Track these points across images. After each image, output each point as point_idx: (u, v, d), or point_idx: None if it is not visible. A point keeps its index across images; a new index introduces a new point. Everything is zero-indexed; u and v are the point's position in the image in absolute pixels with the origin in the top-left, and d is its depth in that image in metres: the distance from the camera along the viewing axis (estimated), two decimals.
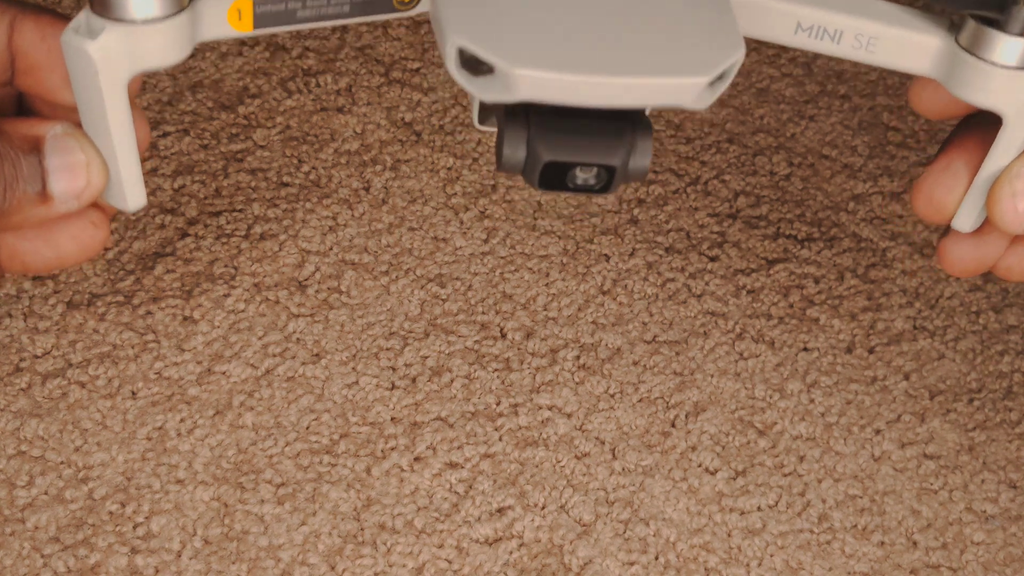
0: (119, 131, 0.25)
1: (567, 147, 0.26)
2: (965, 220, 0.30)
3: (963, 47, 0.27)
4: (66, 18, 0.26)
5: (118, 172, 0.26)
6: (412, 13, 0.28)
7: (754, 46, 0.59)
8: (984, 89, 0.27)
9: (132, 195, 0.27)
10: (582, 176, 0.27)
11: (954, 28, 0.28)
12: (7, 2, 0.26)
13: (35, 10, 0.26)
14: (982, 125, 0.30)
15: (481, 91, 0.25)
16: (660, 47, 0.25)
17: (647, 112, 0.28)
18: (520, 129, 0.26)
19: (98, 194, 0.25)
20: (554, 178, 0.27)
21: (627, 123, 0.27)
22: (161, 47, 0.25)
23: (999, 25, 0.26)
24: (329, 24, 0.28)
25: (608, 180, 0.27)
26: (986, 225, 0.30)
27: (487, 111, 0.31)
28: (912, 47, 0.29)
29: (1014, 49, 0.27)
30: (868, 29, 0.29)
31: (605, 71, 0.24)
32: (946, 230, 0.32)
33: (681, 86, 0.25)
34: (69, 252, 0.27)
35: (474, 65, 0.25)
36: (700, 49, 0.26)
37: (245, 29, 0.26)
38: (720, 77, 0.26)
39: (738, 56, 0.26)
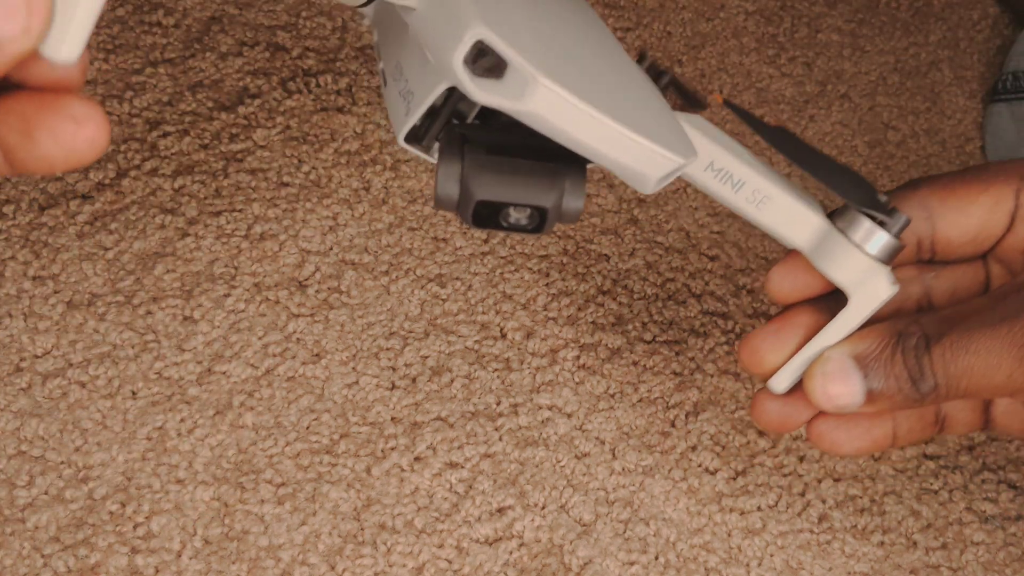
0: None
1: (499, 187, 0.27)
2: (780, 382, 0.33)
3: (839, 228, 0.31)
4: None
5: (74, 12, 0.22)
6: (398, 1, 0.27)
7: (754, 46, 0.59)
8: (844, 268, 0.30)
9: (72, 40, 0.22)
10: (515, 215, 0.28)
11: (835, 214, 0.31)
12: None
13: None
14: (820, 304, 0.33)
15: (480, 92, 0.25)
16: (646, 118, 0.27)
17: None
18: (454, 167, 0.27)
19: (45, 26, 0.21)
20: (487, 216, 0.28)
21: (560, 164, 0.27)
22: None
23: (883, 224, 0.30)
24: None
25: (541, 221, 0.28)
26: (797, 390, 0.33)
27: (416, 133, 0.30)
28: (797, 216, 0.31)
29: (880, 243, 0.30)
30: (766, 189, 0.31)
31: (611, 115, 0.25)
32: (763, 386, 0.34)
33: (664, 159, 0.26)
34: (52, 153, 0.23)
35: (479, 64, 0.24)
36: (676, 137, 0.27)
37: None
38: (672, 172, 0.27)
39: (692, 159, 0.28)
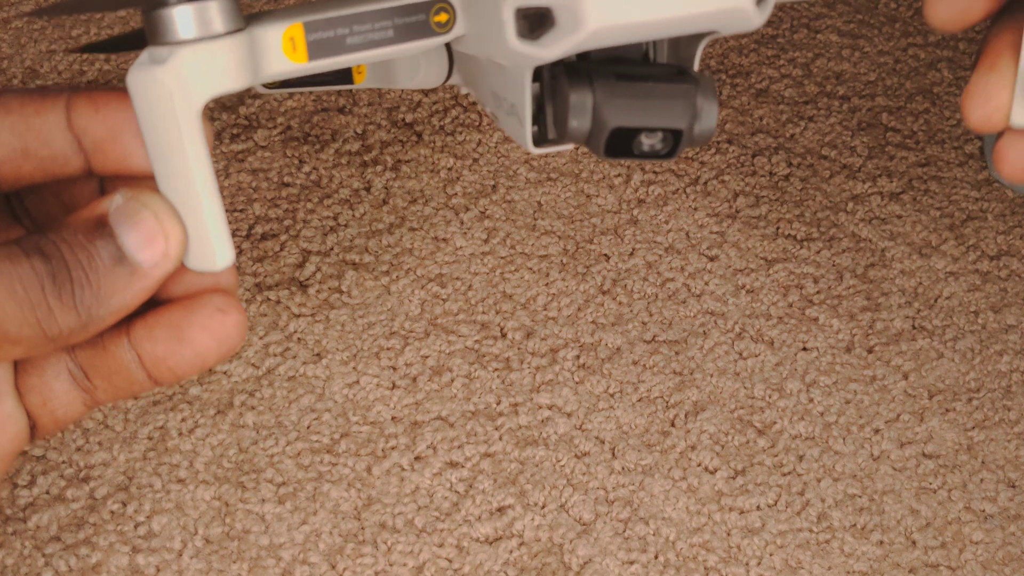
0: (199, 170, 0.23)
1: (634, 112, 0.27)
2: (1022, 114, 0.29)
3: None
4: (119, 89, 0.26)
5: (202, 223, 0.24)
6: (449, 38, 0.28)
7: (754, 46, 0.59)
8: None
9: (220, 250, 0.24)
10: (648, 142, 0.27)
11: None
12: (60, 88, 0.26)
13: (87, 88, 0.27)
14: (1011, 17, 0.30)
15: (546, 49, 0.25)
16: None
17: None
18: (586, 96, 0.26)
19: (183, 246, 0.24)
20: (620, 145, 0.27)
21: (691, 85, 0.27)
22: (228, 65, 0.24)
23: None
24: (378, 53, 0.28)
25: (674, 144, 0.27)
26: None
27: (543, 134, 0.31)
28: None
29: None
30: None
31: None
32: (1000, 133, 0.31)
33: None
34: (206, 346, 0.25)
35: (530, 30, 0.25)
36: None
37: (300, 60, 0.27)
38: None
39: None
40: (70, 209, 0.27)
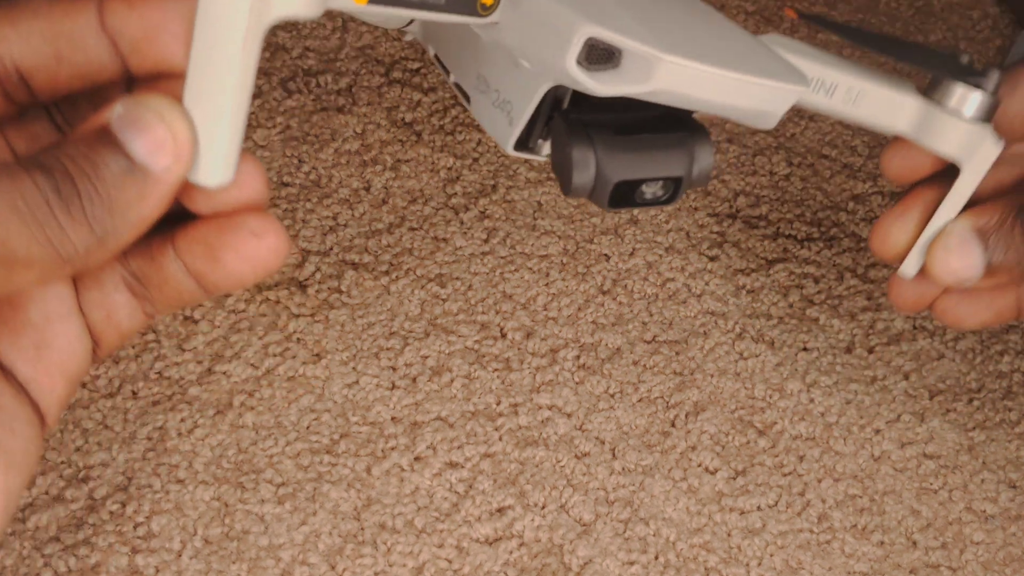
0: (242, 85, 0.22)
1: (635, 165, 0.27)
2: (910, 268, 0.34)
3: (934, 101, 0.31)
4: None
5: (219, 137, 0.22)
6: (484, 22, 0.28)
7: None
8: (947, 138, 0.31)
9: (225, 166, 0.23)
10: (650, 191, 0.28)
11: (928, 90, 0.32)
12: None
13: None
14: (939, 181, 0.33)
15: (601, 85, 0.25)
16: (757, 61, 0.27)
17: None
18: (588, 154, 0.27)
19: (193, 146, 0.22)
20: (623, 196, 0.28)
21: (685, 132, 0.28)
22: None
23: (977, 85, 0.30)
24: (427, 15, 0.27)
25: (675, 190, 0.28)
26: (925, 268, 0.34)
27: (525, 140, 0.31)
28: (893, 102, 0.32)
29: (975, 103, 0.30)
30: (858, 85, 0.32)
31: (734, 69, 0.26)
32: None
33: (789, 92, 0.27)
34: (239, 269, 0.24)
35: (590, 60, 0.25)
36: (788, 70, 0.28)
37: (361, 1, 0.25)
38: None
39: (807, 84, 0.28)
40: None
